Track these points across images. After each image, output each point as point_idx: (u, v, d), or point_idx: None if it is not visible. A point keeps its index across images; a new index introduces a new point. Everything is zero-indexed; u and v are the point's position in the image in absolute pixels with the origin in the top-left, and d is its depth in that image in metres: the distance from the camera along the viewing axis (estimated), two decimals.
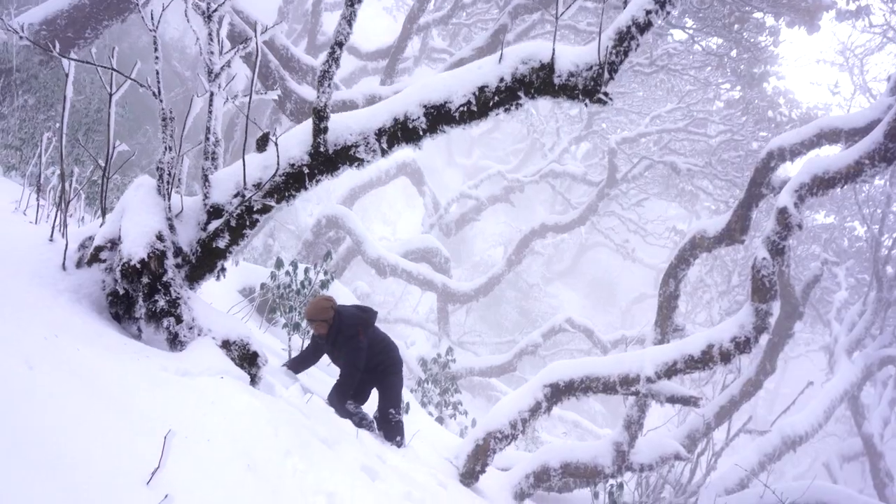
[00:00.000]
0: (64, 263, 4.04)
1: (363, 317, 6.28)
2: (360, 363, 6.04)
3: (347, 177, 25.65)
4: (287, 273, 7.56)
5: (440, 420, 10.40)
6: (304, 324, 7.51)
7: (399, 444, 6.20)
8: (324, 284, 7.55)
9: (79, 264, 4.11)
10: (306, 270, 7.56)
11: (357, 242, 15.67)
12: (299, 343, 7.86)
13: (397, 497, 3.88)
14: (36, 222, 4.49)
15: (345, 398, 6.07)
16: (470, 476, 7.01)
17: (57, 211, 4.14)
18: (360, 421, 6.07)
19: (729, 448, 10.66)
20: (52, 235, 4.19)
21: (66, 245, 4.06)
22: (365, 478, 3.80)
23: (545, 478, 8.00)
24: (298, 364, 6.55)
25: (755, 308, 6.18)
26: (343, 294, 9.07)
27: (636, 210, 20.64)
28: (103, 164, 4.07)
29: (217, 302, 8.17)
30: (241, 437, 2.95)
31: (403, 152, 27.53)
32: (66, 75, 4.05)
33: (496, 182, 21.60)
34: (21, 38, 3.95)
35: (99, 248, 4.01)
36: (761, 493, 9.29)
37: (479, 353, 20.81)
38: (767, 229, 6.09)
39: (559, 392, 7.15)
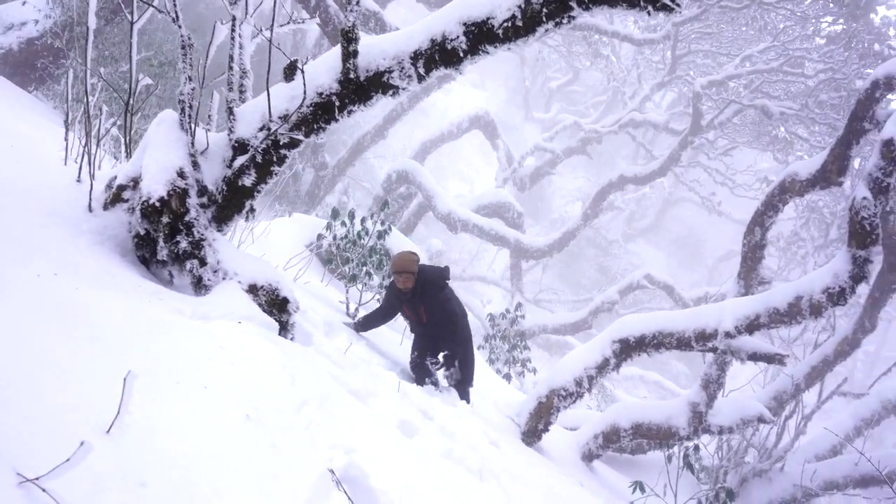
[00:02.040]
0: (90, 204, 3.87)
1: (444, 274, 6.16)
2: (462, 316, 6.09)
3: (419, 130, 25.35)
4: (343, 223, 7.31)
5: (507, 377, 10.08)
6: (362, 275, 7.28)
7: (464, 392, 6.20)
8: (381, 235, 7.26)
9: (106, 206, 3.94)
10: (363, 220, 7.28)
11: (427, 197, 15.37)
12: (357, 295, 7.65)
13: (434, 455, 3.56)
14: (65, 163, 4.34)
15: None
16: (532, 435, 6.67)
17: (84, 150, 3.96)
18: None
19: (821, 412, 9.88)
20: (79, 175, 4.02)
21: (92, 185, 3.88)
22: (398, 434, 3.49)
23: (615, 438, 7.57)
24: (368, 323, 6.41)
25: (852, 255, 5.47)
26: (403, 244, 8.78)
27: (723, 160, 19.38)
28: (126, 98, 3.84)
29: (284, 255, 8.08)
30: (246, 384, 2.67)
31: (475, 103, 26.94)
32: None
33: (573, 134, 20.77)
34: None
35: (122, 188, 3.80)
36: (856, 461, 8.55)
37: (556, 312, 20.30)
38: (870, 165, 5.33)
39: (629, 348, 6.67)
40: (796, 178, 7.33)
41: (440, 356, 6.15)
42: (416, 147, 18.20)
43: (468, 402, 6.16)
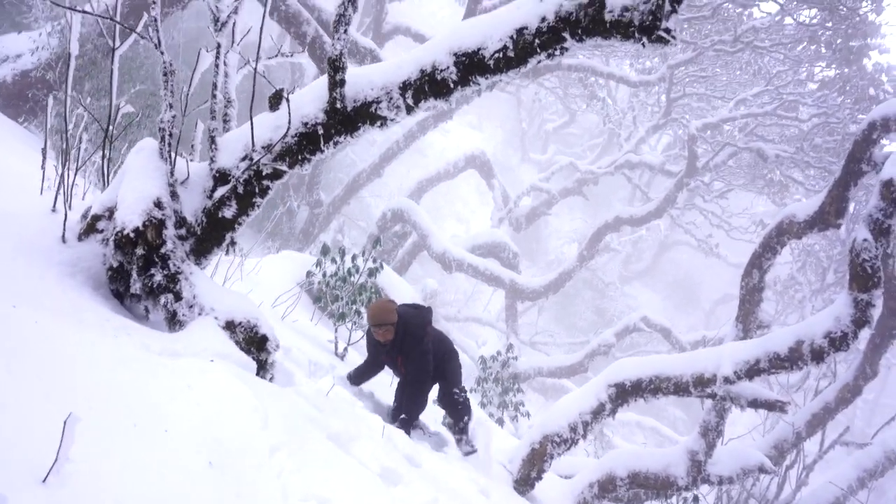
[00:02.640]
0: (63, 235, 3.71)
1: (426, 317, 5.78)
2: (429, 369, 5.60)
3: (416, 170, 25.39)
4: (333, 260, 7.15)
5: (500, 421, 9.80)
6: (351, 314, 7.09)
7: (466, 423, 5.96)
8: (372, 272, 7.09)
9: (80, 237, 3.78)
10: (353, 257, 7.13)
11: (422, 236, 15.24)
12: (346, 335, 7.45)
13: None
14: (41, 193, 4.19)
15: (420, 410, 5.69)
16: (525, 483, 6.40)
17: (60, 179, 3.81)
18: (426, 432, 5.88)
19: (822, 462, 9.62)
20: (54, 205, 3.87)
21: (66, 214, 3.73)
22: (379, 482, 3.27)
23: (611, 487, 7.28)
24: (360, 377, 5.97)
25: (854, 298, 5.30)
26: (395, 283, 8.62)
27: (719, 203, 19.33)
28: (105, 126, 3.71)
29: (273, 293, 7.89)
30: (212, 428, 2.48)
31: (472, 143, 27.03)
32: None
33: (569, 175, 20.77)
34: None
35: (96, 218, 3.65)
36: None
37: (552, 354, 20.01)
38: (869, 206, 5.21)
39: (625, 393, 6.44)
40: (794, 220, 7.21)
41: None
42: (411, 186, 18.15)
43: (466, 424, 5.98)
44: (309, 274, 7.30)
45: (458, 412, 5.93)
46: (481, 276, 15.39)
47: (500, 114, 39.43)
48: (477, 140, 33.53)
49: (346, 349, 7.20)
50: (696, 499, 7.02)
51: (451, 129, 37.17)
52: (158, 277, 3.46)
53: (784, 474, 8.34)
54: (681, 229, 27.73)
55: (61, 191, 3.84)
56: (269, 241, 17.28)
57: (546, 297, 16.34)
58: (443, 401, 5.94)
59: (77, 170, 3.91)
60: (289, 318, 7.54)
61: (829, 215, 6.95)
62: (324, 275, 7.17)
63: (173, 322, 3.49)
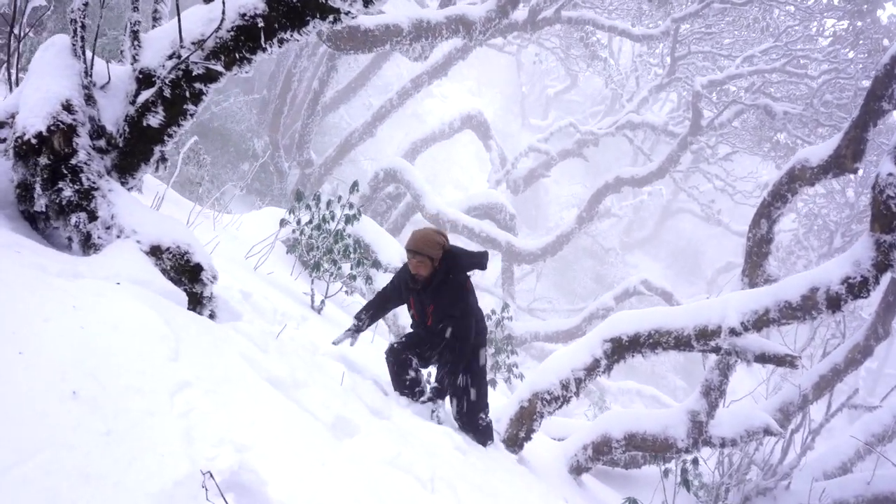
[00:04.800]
0: None
1: (481, 263, 4.58)
2: (472, 336, 4.56)
3: (409, 129, 24.75)
4: (307, 206, 6.62)
5: (493, 383, 9.34)
6: (326, 263, 6.58)
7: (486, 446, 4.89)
8: (349, 219, 6.56)
9: None
10: (328, 203, 6.59)
11: (415, 196, 14.69)
12: (323, 287, 6.95)
13: (373, 460, 2.84)
14: None
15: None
16: (513, 443, 5.93)
17: None
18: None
19: (829, 426, 9.16)
20: None
21: None
22: (326, 433, 2.78)
23: (606, 450, 6.84)
24: (368, 311, 4.81)
25: (876, 240, 4.78)
26: (376, 235, 8.09)
27: (723, 166, 18.71)
28: (10, 23, 3.15)
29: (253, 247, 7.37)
30: (91, 354, 1.96)
31: (468, 103, 26.29)
32: None
33: (568, 136, 20.13)
34: None
35: None
36: (868, 479, 7.82)
37: (550, 321, 19.57)
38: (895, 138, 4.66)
39: (622, 348, 5.96)
40: (806, 165, 6.65)
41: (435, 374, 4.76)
42: (406, 147, 17.53)
43: (485, 443, 4.87)
44: (283, 222, 6.77)
45: (481, 435, 4.88)
46: (476, 237, 14.86)
47: (500, 79, 38.62)
48: (476, 106, 32.85)
49: (322, 302, 6.71)
50: (695, 461, 6.56)
51: (449, 95, 36.49)
52: (68, 192, 2.93)
53: (789, 438, 7.87)
54: (684, 196, 27.18)
55: None
56: (258, 201, 16.75)
57: (544, 259, 15.82)
58: (463, 417, 4.81)
59: None
60: (264, 270, 7.04)
61: (845, 159, 6.38)
62: (298, 222, 6.65)
63: (87, 246, 2.97)
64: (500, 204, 15.53)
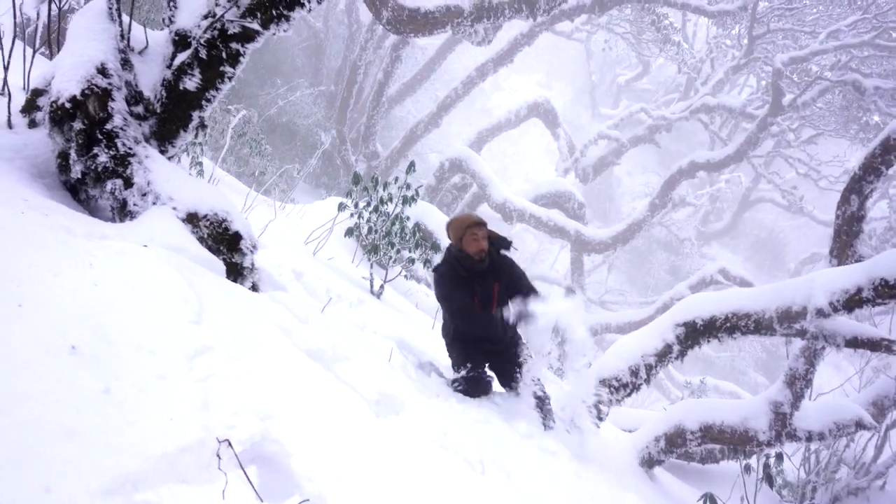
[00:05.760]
0: (10, 120, 3.15)
1: (506, 243, 4.49)
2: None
3: (478, 124, 24.54)
4: (365, 189, 6.49)
5: (560, 373, 9.01)
6: (385, 245, 6.44)
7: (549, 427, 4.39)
8: (406, 200, 6.39)
9: (32, 122, 3.21)
10: (385, 185, 6.44)
11: (481, 186, 14.43)
12: (382, 273, 6.82)
13: (416, 438, 2.64)
14: None
15: None
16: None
17: (2, 56, 3.25)
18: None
19: None
20: (1, 87, 3.31)
21: (10, 96, 3.16)
22: (365, 408, 2.59)
23: (679, 442, 6.43)
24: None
25: None
26: (435, 217, 7.91)
27: (806, 150, 17.64)
28: None
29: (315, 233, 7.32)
30: (99, 311, 1.82)
31: (534, 91, 25.83)
32: None
33: (639, 124, 19.45)
34: None
35: (37, 92, 3.07)
36: None
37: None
38: None
39: (696, 333, 5.58)
40: None
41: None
42: (471, 137, 17.29)
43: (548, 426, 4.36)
44: (341, 206, 6.66)
45: (543, 414, 4.44)
46: (544, 227, 14.49)
47: (570, 71, 37.91)
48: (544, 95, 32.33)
49: (381, 287, 6.57)
50: (780, 457, 6.09)
51: (518, 88, 36.07)
52: (103, 158, 2.84)
53: (884, 434, 7.26)
54: (764, 185, 25.90)
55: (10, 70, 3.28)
56: (325, 193, 16.88)
57: (614, 249, 15.30)
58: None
59: (36, 48, 3.33)
60: (323, 256, 6.96)
61: None
62: (355, 205, 6.53)
63: (123, 212, 2.88)
64: (568, 192, 15.11)
